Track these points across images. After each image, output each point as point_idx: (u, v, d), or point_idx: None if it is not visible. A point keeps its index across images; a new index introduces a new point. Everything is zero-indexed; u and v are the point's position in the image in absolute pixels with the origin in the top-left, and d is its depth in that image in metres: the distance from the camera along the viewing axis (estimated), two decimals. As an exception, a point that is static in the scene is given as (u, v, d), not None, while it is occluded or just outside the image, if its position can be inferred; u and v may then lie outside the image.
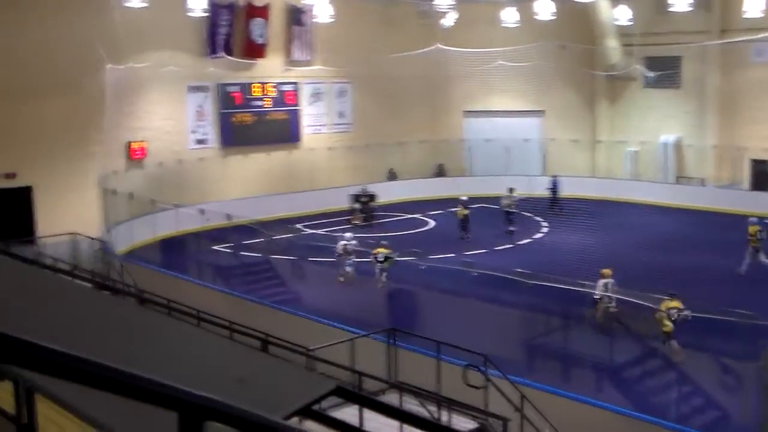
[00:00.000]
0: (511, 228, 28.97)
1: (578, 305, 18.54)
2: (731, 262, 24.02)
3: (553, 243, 27.50)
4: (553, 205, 32.86)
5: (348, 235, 24.16)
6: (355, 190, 32.21)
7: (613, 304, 18.20)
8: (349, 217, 31.16)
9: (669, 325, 16.45)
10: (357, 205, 31.63)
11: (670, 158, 35.91)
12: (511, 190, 29.91)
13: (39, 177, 26.63)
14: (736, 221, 30.21)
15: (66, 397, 2.86)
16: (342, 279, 23.19)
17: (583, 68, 36.23)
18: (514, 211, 29.49)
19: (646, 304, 17.38)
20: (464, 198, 29.25)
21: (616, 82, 37.68)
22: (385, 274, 22.32)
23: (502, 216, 29.33)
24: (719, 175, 34.55)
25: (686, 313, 16.48)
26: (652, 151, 36.44)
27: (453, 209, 29.82)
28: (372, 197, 32.05)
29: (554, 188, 33.21)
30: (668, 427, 13.58)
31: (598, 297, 18.30)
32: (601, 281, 18.52)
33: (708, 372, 16.60)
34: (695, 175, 35.48)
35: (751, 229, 23.41)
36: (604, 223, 27.98)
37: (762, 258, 23.16)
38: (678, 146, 36.01)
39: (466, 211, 28.73)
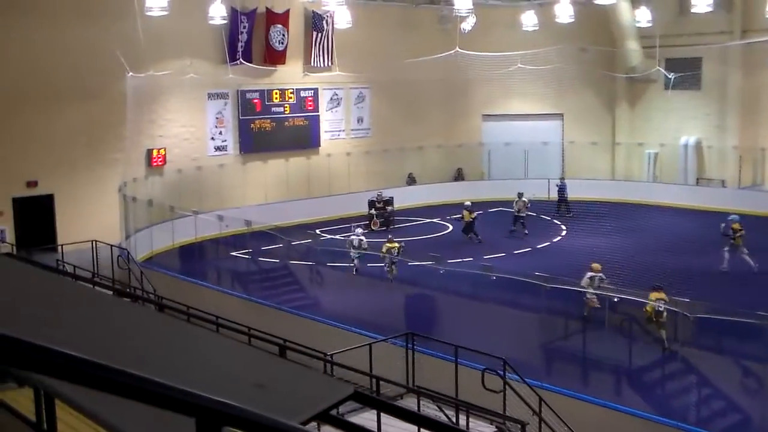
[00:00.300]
0: (521, 230, 29.46)
1: (597, 309, 18.45)
2: (755, 264, 23.89)
3: (572, 246, 27.40)
4: (561, 207, 33.01)
5: (358, 230, 25.27)
6: (371, 196, 32.20)
7: (595, 298, 18.59)
8: (367, 222, 31.18)
9: (655, 313, 17.21)
10: (373, 211, 31.65)
11: (690, 160, 35.70)
12: (520, 194, 30.03)
13: (60, 185, 26.89)
14: (757, 223, 30.02)
15: (85, 403, 2.90)
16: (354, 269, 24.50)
17: (602, 71, 36.11)
18: (524, 215, 29.70)
19: (660, 305, 17.27)
20: (468, 203, 29.57)
21: (636, 84, 37.52)
22: (394, 266, 22.92)
23: (512, 219, 29.92)
24: (740, 177, 34.31)
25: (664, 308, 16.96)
26: (672, 153, 36.25)
27: (457, 216, 29.84)
28: (388, 202, 32.06)
29: (562, 190, 33.32)
30: (688, 430, 13.50)
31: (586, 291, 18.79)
32: (588, 274, 19.05)
33: (729, 375, 16.49)
34: (716, 177, 35.25)
35: (734, 226, 23.78)
36: (623, 226, 27.87)
37: (744, 253, 23.43)
38: (698, 148, 35.80)
39: (473, 216, 28.91)
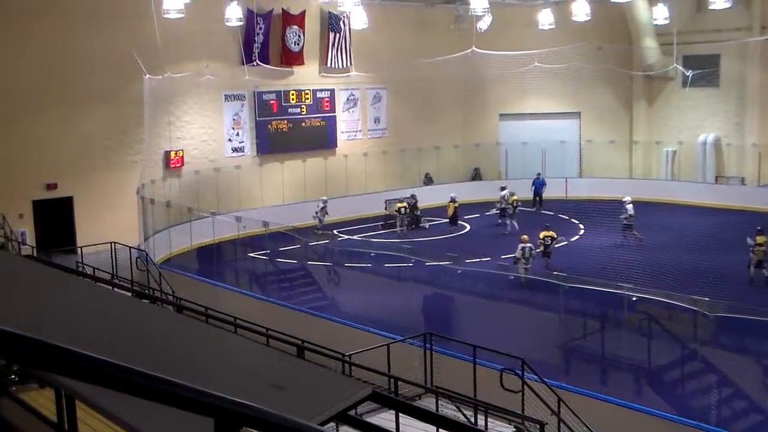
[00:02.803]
0: (500, 221, 30.69)
1: (616, 307, 18.37)
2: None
3: (590, 245, 27.29)
4: (535, 202, 33.60)
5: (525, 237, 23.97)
6: (400, 195, 32.12)
7: (529, 265, 22.10)
8: (393, 221, 31.11)
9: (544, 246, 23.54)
10: (402, 211, 31.26)
11: (708, 158, 35.46)
12: (502, 188, 31.18)
13: (79, 187, 27.09)
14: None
15: (105, 404, 2.92)
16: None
17: (620, 69, 35.93)
18: (506, 207, 30.37)
19: (681, 304, 17.18)
20: (453, 194, 31.04)
21: (653, 81, 37.33)
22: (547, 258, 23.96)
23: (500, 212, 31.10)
24: (760, 174, 34.05)
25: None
26: (690, 151, 36.04)
27: (494, 210, 30.37)
28: (416, 201, 32.03)
29: (538, 187, 33.87)
30: (709, 431, 13.41)
31: (517, 258, 22.69)
32: (520, 245, 22.88)
33: (750, 374, 16.37)
34: (735, 175, 34.99)
35: (760, 238, 22.80)
36: (641, 225, 27.72)
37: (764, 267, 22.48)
38: (717, 145, 35.56)
39: (455, 205, 30.71)
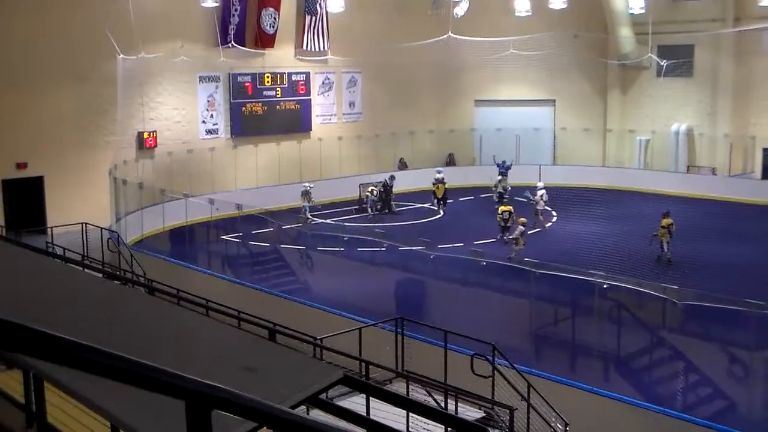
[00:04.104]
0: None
1: (586, 295, 18.53)
2: (742, 252, 24.04)
3: (562, 232, 27.48)
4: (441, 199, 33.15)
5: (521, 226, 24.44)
6: (374, 180, 32.16)
7: (522, 247, 23.06)
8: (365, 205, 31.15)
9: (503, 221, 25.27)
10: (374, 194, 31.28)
11: (681, 147, 35.76)
12: (438, 171, 32.24)
13: (50, 167, 26.77)
14: (747, 211, 30.21)
15: (75, 386, 2.90)
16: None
17: (595, 57, 36.10)
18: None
19: (649, 292, 17.38)
20: (441, 175, 31.75)
21: (628, 70, 37.54)
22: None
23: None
24: (731, 165, 34.43)
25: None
26: (663, 141, 36.33)
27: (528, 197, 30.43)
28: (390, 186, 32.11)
29: (503, 174, 33.56)
30: (676, 417, 13.60)
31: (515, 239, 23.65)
32: (519, 227, 23.66)
33: (717, 362, 16.61)
34: (706, 165, 35.34)
35: (665, 221, 23.77)
36: (614, 213, 27.94)
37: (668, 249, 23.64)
38: (689, 135, 35.88)
39: (444, 186, 31.35)
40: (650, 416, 13.63)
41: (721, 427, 13.16)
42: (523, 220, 24.01)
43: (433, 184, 31.68)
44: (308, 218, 28.66)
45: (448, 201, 31.68)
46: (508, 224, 25.31)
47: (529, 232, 25.68)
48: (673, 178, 34.96)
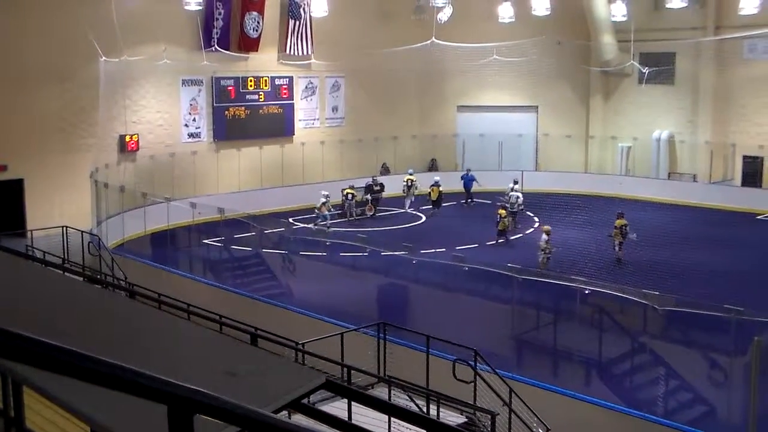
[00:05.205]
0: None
1: (568, 300, 18.60)
2: (722, 258, 24.22)
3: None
4: (466, 198, 33.82)
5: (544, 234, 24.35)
6: (367, 181, 32.41)
7: (547, 256, 23.02)
8: (364, 208, 31.29)
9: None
10: (369, 197, 31.69)
11: (662, 154, 36.00)
12: (410, 173, 33.41)
13: (30, 169, 26.54)
14: (727, 217, 30.44)
15: (55, 390, 2.88)
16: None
17: (577, 64, 36.30)
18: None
19: (631, 298, 17.47)
20: (437, 178, 32.42)
21: (610, 77, 37.78)
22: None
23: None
24: (711, 171, 34.69)
25: None
26: (645, 147, 36.55)
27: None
28: (382, 187, 32.28)
29: (468, 182, 33.98)
30: (656, 422, 13.66)
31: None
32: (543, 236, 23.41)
33: (697, 367, 16.70)
34: (687, 171, 35.59)
35: (619, 221, 24.66)
36: (596, 219, 28.06)
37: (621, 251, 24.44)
38: (671, 142, 36.13)
39: (439, 189, 31.83)
40: (631, 421, 13.69)
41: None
42: (547, 228, 23.84)
43: (430, 187, 32.04)
44: (328, 227, 28.64)
45: (442, 204, 31.95)
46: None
47: (511, 238, 25.84)
48: (655, 184, 35.19)
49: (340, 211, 31.05)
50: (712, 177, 34.58)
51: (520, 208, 29.13)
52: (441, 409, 11.72)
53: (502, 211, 27.04)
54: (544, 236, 23.42)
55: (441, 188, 31.96)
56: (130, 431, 2.70)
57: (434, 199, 31.89)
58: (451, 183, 33.88)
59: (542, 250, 23.16)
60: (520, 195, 29.36)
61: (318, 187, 33.13)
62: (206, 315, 12.41)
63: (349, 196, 30.98)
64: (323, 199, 29.44)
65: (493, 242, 26.61)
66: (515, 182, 30.73)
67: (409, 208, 32.51)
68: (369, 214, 31.51)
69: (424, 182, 33.03)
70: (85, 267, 19.09)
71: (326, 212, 29.31)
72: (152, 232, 27.68)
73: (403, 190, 32.93)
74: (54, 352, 2.04)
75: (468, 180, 34.19)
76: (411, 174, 33.35)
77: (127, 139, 29.43)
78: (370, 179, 32.42)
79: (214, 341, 4.29)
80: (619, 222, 24.62)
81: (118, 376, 2.11)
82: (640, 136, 36.71)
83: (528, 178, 33.93)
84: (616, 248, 24.50)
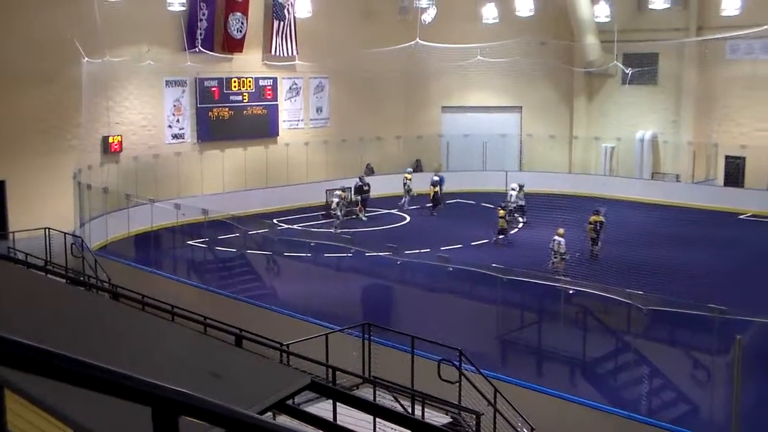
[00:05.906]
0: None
1: (553, 300, 18.65)
2: (705, 257, 24.37)
3: (528, 239, 27.64)
4: (434, 200, 33.18)
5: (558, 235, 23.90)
6: (355, 182, 32.25)
7: (562, 258, 22.91)
8: (354, 209, 31.22)
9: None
10: (358, 197, 31.58)
11: (646, 154, 36.20)
12: (408, 171, 34.03)
13: (12, 171, 26.35)
14: (710, 217, 30.62)
15: (37, 393, 2.85)
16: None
17: (561, 64, 36.42)
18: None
19: (616, 298, 17.53)
20: (435, 177, 32.60)
21: (593, 78, 37.94)
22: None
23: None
24: (694, 171, 34.92)
25: None
26: (628, 148, 36.73)
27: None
28: (369, 187, 32.25)
29: (437, 184, 33.22)
30: (640, 421, 13.72)
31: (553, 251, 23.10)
32: (555, 238, 23.07)
33: (680, 366, 16.79)
34: (670, 171, 35.80)
35: (594, 218, 25.02)
36: (579, 219, 28.13)
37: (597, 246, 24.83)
38: (654, 142, 36.33)
39: (436, 188, 32.08)
40: (615, 420, 13.74)
41: (685, 430, 13.30)
42: (561, 231, 23.56)
43: (431, 185, 32.29)
44: (342, 223, 29.19)
45: (438, 205, 32.04)
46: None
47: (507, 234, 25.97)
48: (638, 184, 35.38)
49: (324, 212, 31.02)
50: (695, 177, 34.82)
51: (520, 203, 29.63)
52: (426, 410, 11.72)
53: (502, 212, 27.08)
54: (558, 239, 23.10)
55: (437, 188, 32.10)
56: (113, 434, 2.69)
57: (432, 198, 31.99)
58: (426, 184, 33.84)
59: (555, 252, 22.97)
60: (514, 195, 29.72)
61: (302, 187, 33.17)
62: (190, 316, 12.36)
63: (341, 196, 30.65)
64: (337, 199, 29.70)
65: (480, 242, 26.61)
66: (521, 186, 30.71)
67: (407, 206, 32.63)
68: (360, 215, 31.32)
69: (424, 182, 33.09)
70: (68, 269, 18.98)
71: (339, 213, 29.51)
72: (136, 233, 27.54)
73: (405, 187, 33.05)
74: (36, 355, 2.03)
75: (439, 181, 33.70)
76: (409, 173, 33.56)
77: (111, 140, 29.29)
78: (358, 180, 32.30)
79: (198, 343, 4.28)
80: (593, 218, 24.93)
81: (101, 378, 2.10)
82: (624, 136, 36.88)
83: (512, 178, 34.01)
84: (589, 244, 24.84)
